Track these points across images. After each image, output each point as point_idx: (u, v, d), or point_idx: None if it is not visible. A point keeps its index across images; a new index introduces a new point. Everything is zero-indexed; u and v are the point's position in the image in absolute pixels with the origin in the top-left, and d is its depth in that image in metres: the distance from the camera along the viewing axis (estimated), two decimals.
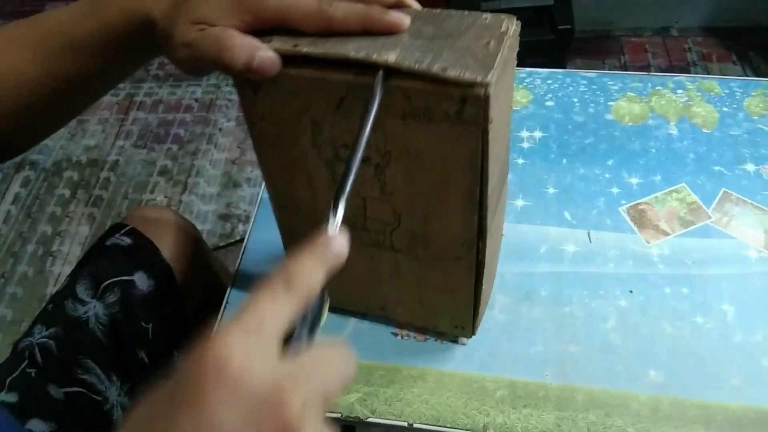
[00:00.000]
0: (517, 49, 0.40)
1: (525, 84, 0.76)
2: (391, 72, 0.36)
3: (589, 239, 0.62)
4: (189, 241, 0.75)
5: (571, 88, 0.75)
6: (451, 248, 0.46)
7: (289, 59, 0.38)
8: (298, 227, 0.52)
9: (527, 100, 0.75)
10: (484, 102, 0.35)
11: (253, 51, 0.37)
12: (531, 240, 0.62)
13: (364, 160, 0.42)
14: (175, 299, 0.70)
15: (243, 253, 0.64)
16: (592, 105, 0.73)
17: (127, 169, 1.60)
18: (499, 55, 0.36)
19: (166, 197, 1.52)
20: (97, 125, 1.72)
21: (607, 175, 0.67)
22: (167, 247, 0.71)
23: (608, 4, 1.73)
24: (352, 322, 0.58)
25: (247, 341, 0.25)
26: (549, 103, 0.74)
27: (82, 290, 0.66)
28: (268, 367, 0.25)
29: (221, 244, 1.40)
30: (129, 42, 0.43)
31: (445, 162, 0.40)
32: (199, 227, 1.45)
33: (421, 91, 0.36)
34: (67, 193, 1.56)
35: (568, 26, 1.35)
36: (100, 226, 1.46)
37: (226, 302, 0.60)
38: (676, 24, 1.79)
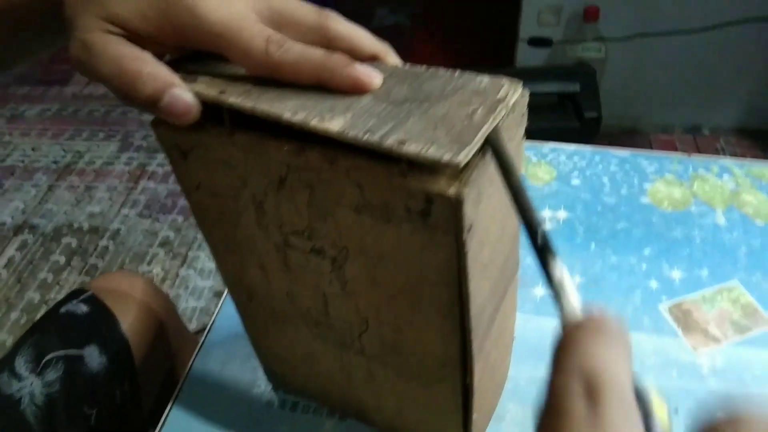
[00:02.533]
0: (524, 125, 0.31)
1: (548, 159, 0.68)
2: (337, 148, 0.27)
3: None
4: (157, 315, 0.66)
5: (600, 167, 0.67)
6: (431, 367, 0.35)
7: (219, 115, 0.29)
8: (258, 313, 0.42)
9: (550, 176, 0.66)
10: (455, 203, 0.25)
11: (164, 85, 0.28)
12: (552, 337, 0.51)
13: (317, 251, 0.32)
14: (129, 382, 0.59)
15: (207, 334, 0.55)
16: (625, 186, 0.65)
17: (128, 238, 1.53)
18: (484, 128, 0.25)
19: (163, 270, 1.44)
20: (104, 192, 1.68)
21: (644, 266, 0.57)
22: (129, 319, 0.62)
23: (636, 99, 1.68)
24: (328, 425, 0.47)
25: None
26: (575, 182, 0.65)
27: (21, 363, 0.57)
28: None
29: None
30: (34, 16, 0.35)
31: (412, 270, 0.30)
32: (193, 304, 1.37)
33: (375, 180, 0.26)
34: (62, 259, 1.49)
35: (595, 114, 1.28)
36: None
37: (178, 392, 0.50)
38: (707, 123, 1.73)
